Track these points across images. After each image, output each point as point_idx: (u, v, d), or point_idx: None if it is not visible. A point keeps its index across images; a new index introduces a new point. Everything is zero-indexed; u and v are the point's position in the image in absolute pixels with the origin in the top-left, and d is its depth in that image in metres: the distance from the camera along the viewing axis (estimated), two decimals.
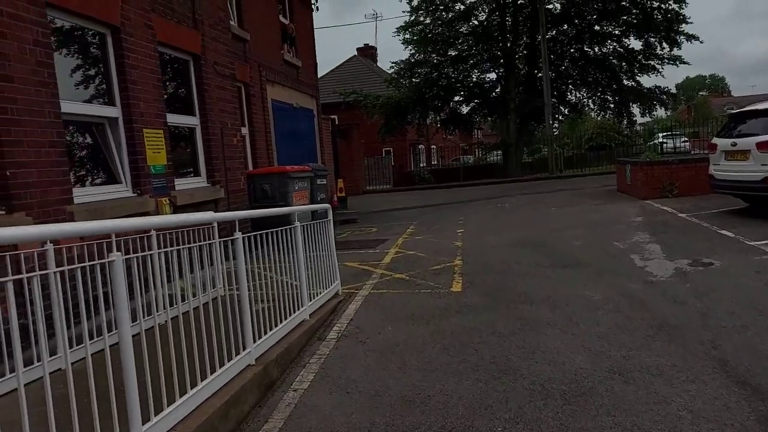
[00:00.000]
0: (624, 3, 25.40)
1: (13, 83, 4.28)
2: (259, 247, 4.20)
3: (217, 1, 8.55)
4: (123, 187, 5.89)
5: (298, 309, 4.65)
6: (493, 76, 28.33)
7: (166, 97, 7.00)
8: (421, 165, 33.99)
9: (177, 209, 6.63)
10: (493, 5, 26.32)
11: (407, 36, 26.54)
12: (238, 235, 3.49)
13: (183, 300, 3.17)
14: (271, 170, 10.23)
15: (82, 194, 5.12)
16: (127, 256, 2.45)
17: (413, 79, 27.13)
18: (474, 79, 28.24)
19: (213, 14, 8.31)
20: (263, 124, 12.00)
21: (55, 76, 4.74)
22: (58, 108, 4.74)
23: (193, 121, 7.75)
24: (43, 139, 4.54)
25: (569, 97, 29.03)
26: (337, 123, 18.87)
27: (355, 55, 36.78)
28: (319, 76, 31.85)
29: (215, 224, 3.65)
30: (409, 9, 26.70)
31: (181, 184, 7.11)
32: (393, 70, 28.16)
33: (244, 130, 11.28)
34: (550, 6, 26.42)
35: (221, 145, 8.23)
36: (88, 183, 5.44)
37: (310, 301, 4.88)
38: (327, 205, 5.92)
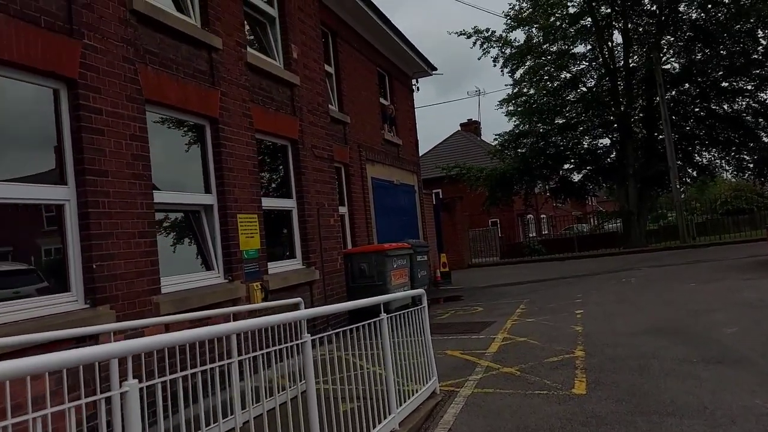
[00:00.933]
0: (756, 56, 23.09)
1: (107, 177, 4.37)
2: (343, 335, 3.70)
3: (317, 88, 8.79)
4: (214, 274, 5.79)
5: (385, 417, 3.98)
6: (606, 141, 26.78)
7: (262, 181, 7.06)
8: (531, 235, 32.34)
9: (270, 294, 6.42)
10: (603, 71, 25.28)
11: (511, 108, 26.22)
12: (307, 338, 2.99)
13: (244, 407, 2.70)
14: (368, 249, 9.94)
15: (170, 283, 5.04)
16: (147, 383, 2.06)
17: (518, 150, 26.41)
18: (585, 146, 26.84)
19: (312, 100, 8.51)
20: (362, 202, 11.94)
21: (150, 168, 4.82)
22: (150, 199, 4.78)
23: (289, 203, 7.73)
24: (133, 230, 4.54)
25: (697, 158, 26.39)
26: (440, 197, 18.54)
27: (458, 131, 37.10)
28: (423, 152, 32.41)
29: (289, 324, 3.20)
30: (512, 82, 26.54)
31: (275, 267, 6.96)
32: (497, 142, 27.75)
33: (343, 209, 11.25)
34: (668, 66, 24.82)
35: (317, 226, 8.11)
36: (178, 271, 5.39)
37: (400, 406, 4.20)
38: (421, 291, 5.32)
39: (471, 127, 37.91)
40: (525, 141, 26.35)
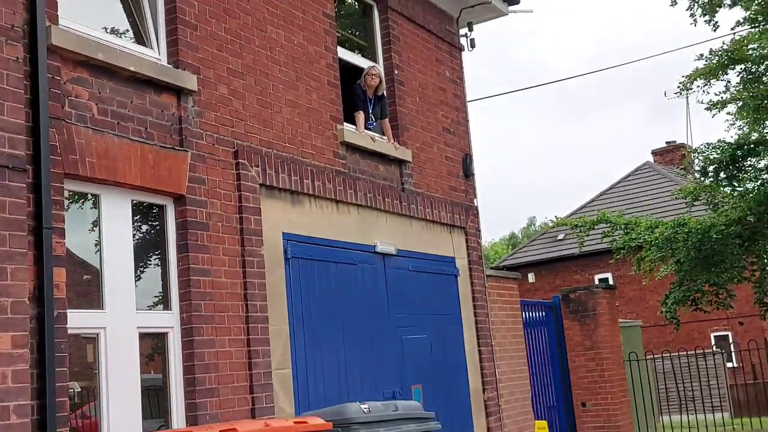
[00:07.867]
0: None
1: None
2: None
3: None
4: None
5: None
6: None
7: None
8: None
9: None
10: None
11: (722, 95, 10.32)
12: None
13: None
14: None
15: None
16: None
17: (741, 186, 10.67)
18: None
19: None
20: (239, 307, 4.00)
21: None
22: None
23: None
24: None
25: None
26: (567, 295, 8.30)
27: (646, 162, 22.13)
28: (583, 202, 19.31)
29: None
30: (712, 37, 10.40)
31: None
32: (696, 164, 11.55)
33: (163, 322, 3.55)
34: None
35: None
36: None
37: None
38: None
39: (673, 157, 21.54)
40: (759, 163, 10.43)
